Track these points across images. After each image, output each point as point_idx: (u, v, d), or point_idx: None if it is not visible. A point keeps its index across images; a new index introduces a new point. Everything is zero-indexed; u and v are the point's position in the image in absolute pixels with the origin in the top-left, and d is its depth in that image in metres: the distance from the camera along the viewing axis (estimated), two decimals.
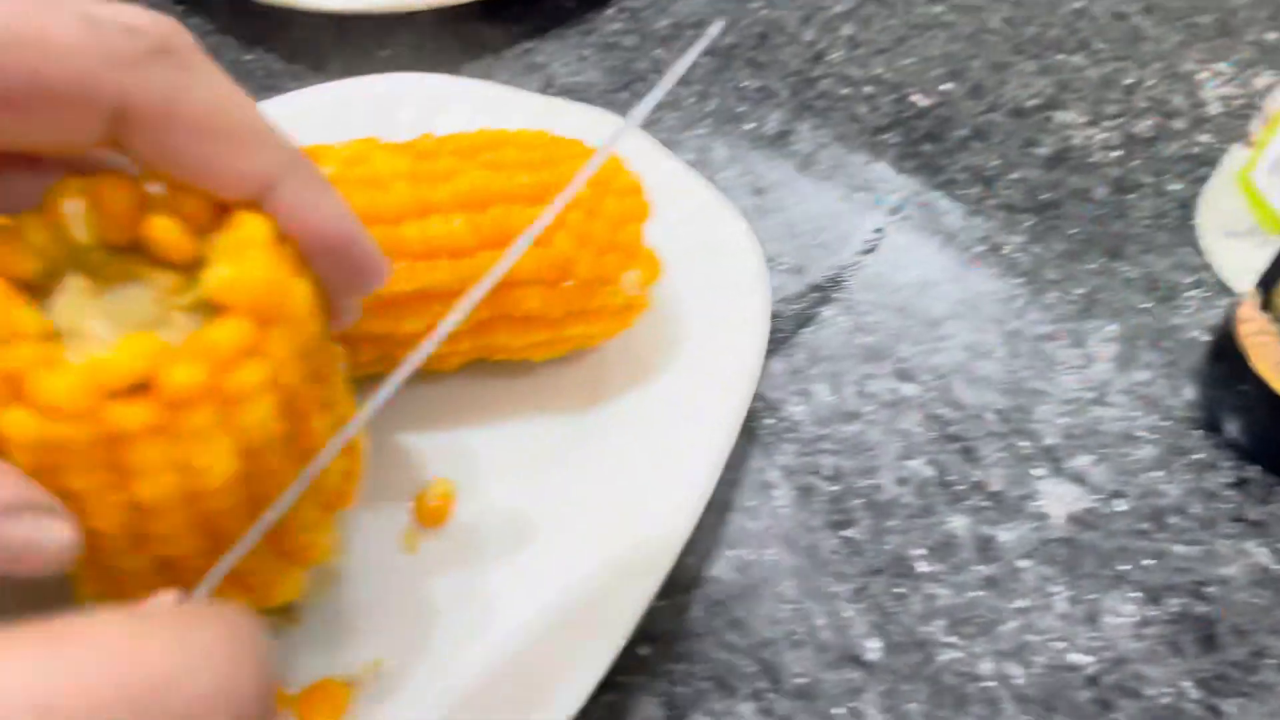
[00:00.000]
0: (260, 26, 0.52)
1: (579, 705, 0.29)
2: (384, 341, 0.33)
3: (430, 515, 0.35)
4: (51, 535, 0.20)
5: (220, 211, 0.22)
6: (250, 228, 0.22)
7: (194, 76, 0.21)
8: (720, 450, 0.35)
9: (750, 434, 0.38)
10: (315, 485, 0.24)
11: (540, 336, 0.35)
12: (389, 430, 0.36)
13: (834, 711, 0.32)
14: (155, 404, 0.20)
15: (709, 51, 0.52)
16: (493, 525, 0.35)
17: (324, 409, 0.25)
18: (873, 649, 0.33)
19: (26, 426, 0.19)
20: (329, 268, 0.24)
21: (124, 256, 0.22)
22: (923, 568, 0.35)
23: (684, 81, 0.50)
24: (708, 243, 0.41)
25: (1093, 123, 0.49)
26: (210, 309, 0.22)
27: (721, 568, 0.35)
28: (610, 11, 0.54)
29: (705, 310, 0.39)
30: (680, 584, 0.34)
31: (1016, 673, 0.33)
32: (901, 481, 0.37)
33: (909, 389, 0.40)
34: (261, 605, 0.26)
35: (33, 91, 0.19)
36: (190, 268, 0.22)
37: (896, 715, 0.32)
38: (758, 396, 0.39)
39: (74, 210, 0.21)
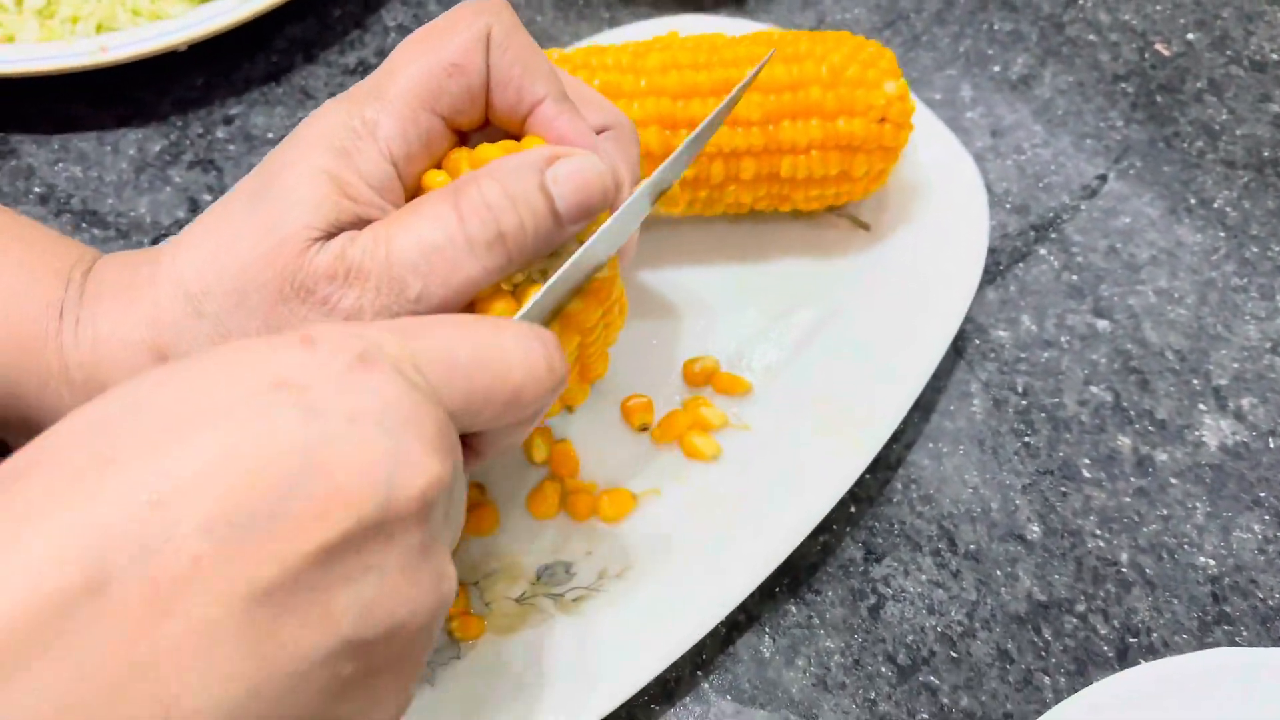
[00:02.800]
0: None
1: (800, 539, 0.41)
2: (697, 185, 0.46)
3: (696, 379, 0.46)
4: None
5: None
6: (610, 268, 0.35)
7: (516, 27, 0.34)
8: (930, 360, 0.44)
9: (959, 350, 0.47)
10: (602, 329, 0.37)
11: (817, 132, 0.45)
12: (658, 307, 0.48)
13: (996, 573, 0.42)
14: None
15: None
16: (744, 397, 0.46)
17: (619, 307, 0.38)
18: (1033, 531, 0.43)
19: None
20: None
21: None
22: (1086, 474, 0.44)
23: (940, 21, 0.57)
24: (939, 180, 0.49)
25: None
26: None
27: (921, 455, 0.45)
28: None
29: (931, 240, 0.48)
30: (887, 463, 0.45)
31: (1148, 564, 0.42)
32: (1082, 403, 0.45)
33: (1103, 324, 0.47)
34: (566, 405, 0.40)
35: (471, 74, 0.33)
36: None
37: (1044, 583, 0.42)
38: (970, 319, 0.47)
39: None
